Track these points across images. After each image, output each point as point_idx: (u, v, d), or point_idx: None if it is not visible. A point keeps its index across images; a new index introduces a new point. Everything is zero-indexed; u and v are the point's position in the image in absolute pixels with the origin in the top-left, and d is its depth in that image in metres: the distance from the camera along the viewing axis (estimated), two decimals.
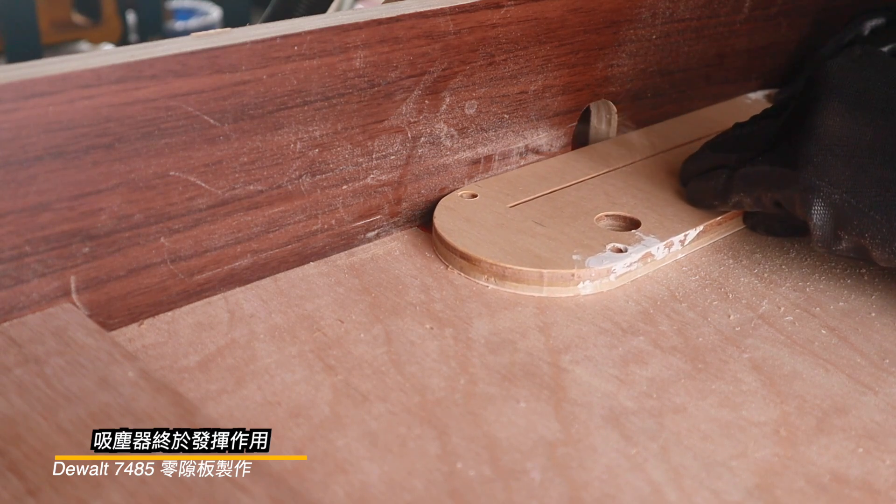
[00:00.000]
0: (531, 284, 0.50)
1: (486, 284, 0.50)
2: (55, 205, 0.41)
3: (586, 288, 0.50)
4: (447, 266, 0.52)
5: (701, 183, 0.54)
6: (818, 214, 0.46)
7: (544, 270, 0.49)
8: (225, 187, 0.46)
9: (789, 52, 0.75)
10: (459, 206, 0.55)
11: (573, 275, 0.49)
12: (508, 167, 0.60)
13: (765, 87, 0.76)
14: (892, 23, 0.69)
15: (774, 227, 0.54)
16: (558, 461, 0.38)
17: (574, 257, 0.50)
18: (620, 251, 0.51)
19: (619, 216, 0.55)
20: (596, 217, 0.55)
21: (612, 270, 0.50)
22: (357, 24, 0.48)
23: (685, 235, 0.53)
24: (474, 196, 0.56)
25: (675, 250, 0.53)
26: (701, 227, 0.54)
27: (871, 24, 0.69)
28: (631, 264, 0.51)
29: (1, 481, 0.33)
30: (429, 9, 0.51)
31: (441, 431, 0.39)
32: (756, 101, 0.74)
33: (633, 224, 0.55)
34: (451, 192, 0.56)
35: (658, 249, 0.52)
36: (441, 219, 0.53)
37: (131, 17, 2.39)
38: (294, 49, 0.46)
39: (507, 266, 0.49)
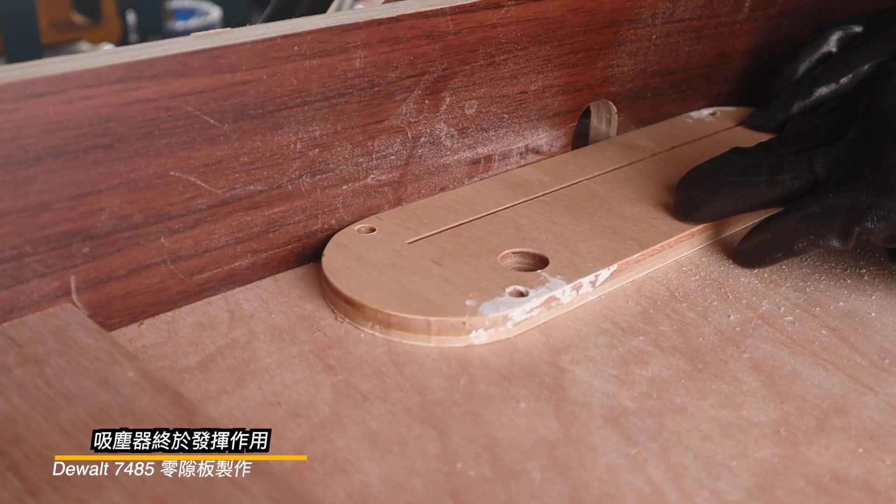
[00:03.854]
0: (418, 333, 0.45)
1: (373, 333, 0.45)
2: (55, 205, 0.41)
3: (480, 337, 0.45)
4: (334, 313, 0.47)
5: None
6: None
7: (432, 318, 0.44)
8: (225, 187, 0.46)
9: (788, 54, 0.75)
10: (354, 242, 0.50)
11: (464, 323, 0.44)
12: (509, 167, 0.60)
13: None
14: (857, 35, 0.67)
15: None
16: (558, 461, 0.38)
17: (467, 303, 0.45)
18: (521, 295, 0.46)
19: (526, 253, 0.50)
20: (501, 255, 0.49)
21: (508, 317, 0.45)
22: (357, 24, 0.48)
23: (596, 276, 0.49)
24: (373, 230, 0.51)
25: (585, 292, 0.48)
26: (615, 266, 0.49)
27: (835, 38, 0.67)
28: (532, 310, 0.46)
29: (1, 481, 0.33)
30: (429, 9, 0.51)
31: (441, 431, 0.39)
32: (698, 119, 0.69)
33: (541, 262, 0.50)
34: (349, 225, 0.52)
35: (564, 292, 0.47)
36: (330, 257, 0.48)
37: (131, 17, 2.40)
38: (294, 49, 0.46)
39: (392, 313, 0.44)
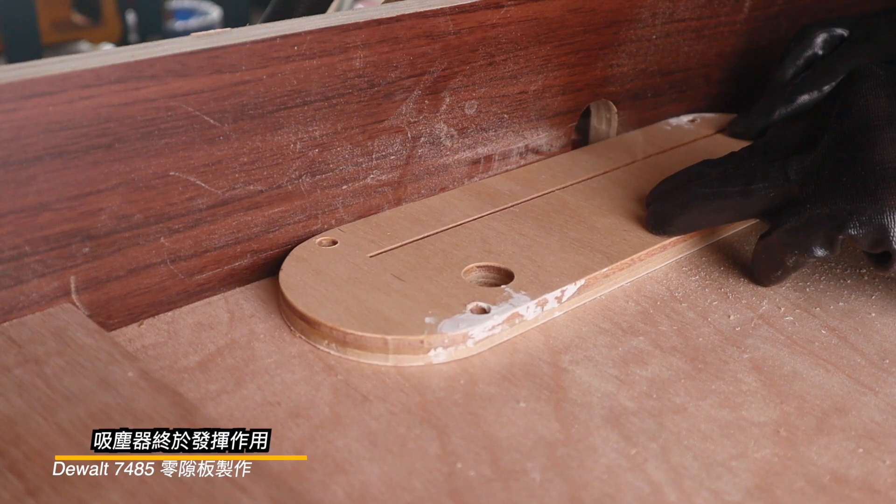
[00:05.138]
0: (375, 352, 0.43)
1: (328, 351, 0.44)
2: (55, 205, 0.41)
3: (439, 356, 0.43)
4: (291, 329, 0.45)
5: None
6: None
7: (389, 337, 0.43)
8: (225, 187, 0.46)
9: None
10: (314, 255, 0.48)
11: (422, 341, 0.43)
12: (508, 167, 0.60)
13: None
14: (842, 38, 0.65)
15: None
16: (558, 461, 0.38)
17: (427, 320, 0.44)
18: (484, 311, 0.45)
19: (491, 267, 0.49)
20: (465, 269, 0.48)
21: (469, 335, 0.44)
22: (357, 24, 0.48)
23: (562, 291, 0.47)
24: (334, 243, 0.50)
25: (551, 308, 0.47)
26: (582, 282, 0.48)
27: (820, 40, 0.65)
28: (494, 327, 0.44)
29: (1, 481, 0.33)
30: (429, 9, 0.51)
31: (441, 431, 0.39)
32: (677, 126, 0.67)
33: (506, 277, 0.48)
34: (310, 238, 0.50)
35: (528, 309, 0.46)
36: (288, 272, 0.47)
37: (131, 17, 2.39)
38: (294, 49, 0.46)
39: (348, 331, 0.43)
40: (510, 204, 0.55)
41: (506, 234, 0.52)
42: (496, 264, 0.49)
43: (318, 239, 0.50)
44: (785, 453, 0.39)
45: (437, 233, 0.51)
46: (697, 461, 0.38)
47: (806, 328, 0.47)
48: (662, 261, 0.52)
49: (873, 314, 0.49)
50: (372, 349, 0.43)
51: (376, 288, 0.46)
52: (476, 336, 0.44)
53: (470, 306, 0.45)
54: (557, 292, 0.47)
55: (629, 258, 0.50)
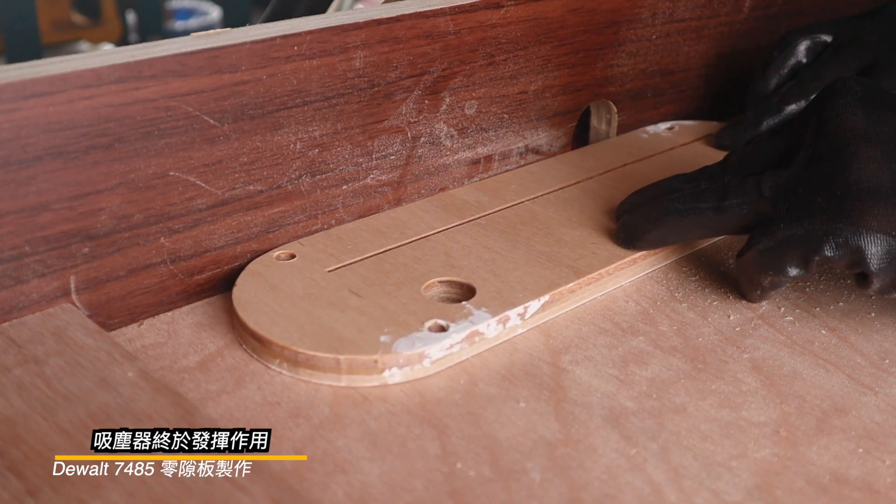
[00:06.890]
0: (327, 372, 0.41)
1: (279, 370, 0.42)
2: (55, 205, 0.41)
3: (394, 376, 0.42)
4: (243, 347, 0.44)
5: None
6: (879, 264, 0.43)
7: (341, 356, 0.41)
8: (225, 187, 0.46)
9: None
10: (270, 270, 0.47)
11: (376, 361, 0.41)
12: (508, 167, 0.60)
13: None
14: (826, 44, 0.64)
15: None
16: (558, 461, 0.38)
17: (382, 339, 0.42)
18: (442, 329, 0.43)
19: (453, 282, 0.47)
20: (426, 284, 0.46)
21: (425, 355, 0.42)
22: (357, 24, 0.48)
23: (525, 308, 0.45)
24: (292, 256, 0.48)
25: (513, 325, 0.45)
26: (547, 297, 0.46)
27: (803, 47, 0.63)
28: (452, 346, 0.43)
29: (1, 481, 0.33)
30: (429, 9, 0.51)
31: (441, 431, 0.39)
32: (654, 134, 0.66)
33: (468, 292, 0.46)
34: (269, 251, 0.48)
35: (489, 326, 0.44)
36: (242, 287, 0.45)
37: (131, 17, 2.40)
38: (294, 49, 0.46)
39: (300, 350, 0.41)
40: (477, 216, 0.53)
41: (470, 248, 0.50)
42: (458, 279, 0.47)
43: (275, 252, 0.48)
44: (785, 453, 0.39)
45: (399, 246, 0.50)
46: (697, 461, 0.38)
47: (806, 328, 0.47)
48: (632, 275, 0.51)
49: (873, 314, 0.49)
50: (324, 369, 0.41)
51: (332, 305, 0.44)
52: (433, 355, 0.42)
53: (428, 324, 0.43)
54: (520, 309, 0.45)
55: (597, 273, 0.48)
